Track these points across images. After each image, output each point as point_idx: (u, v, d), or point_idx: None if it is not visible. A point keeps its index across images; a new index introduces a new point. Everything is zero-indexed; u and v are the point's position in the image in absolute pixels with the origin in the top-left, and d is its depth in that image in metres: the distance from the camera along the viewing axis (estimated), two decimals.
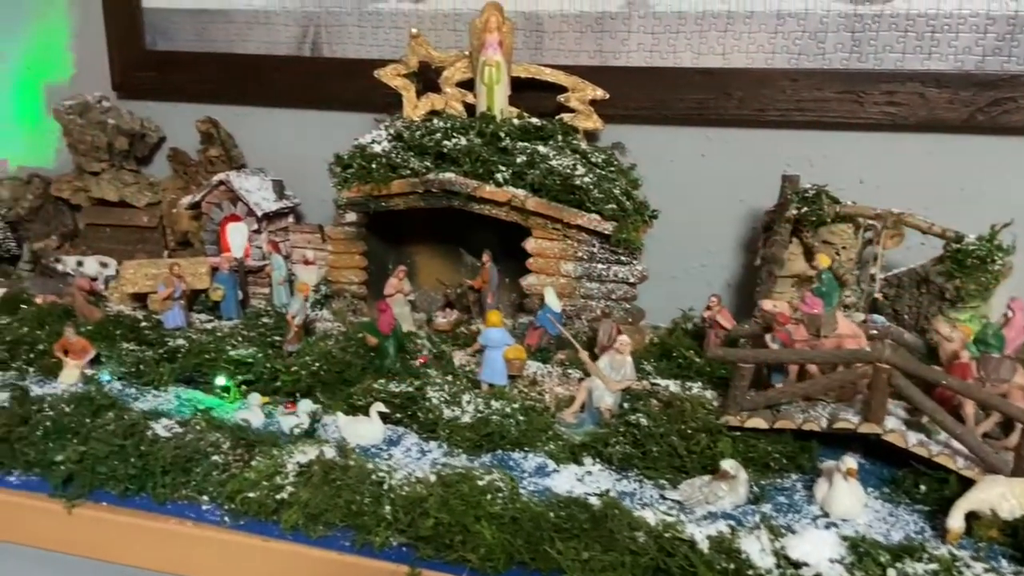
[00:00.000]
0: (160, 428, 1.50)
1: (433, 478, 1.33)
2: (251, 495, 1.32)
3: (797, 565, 1.14)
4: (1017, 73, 1.87)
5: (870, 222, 1.89)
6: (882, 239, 1.85)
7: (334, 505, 1.29)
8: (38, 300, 2.13)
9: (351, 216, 2.12)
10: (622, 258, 1.94)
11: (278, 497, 1.31)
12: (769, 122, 2.09)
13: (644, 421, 1.51)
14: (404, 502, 1.27)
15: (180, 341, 1.88)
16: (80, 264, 2.50)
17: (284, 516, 1.29)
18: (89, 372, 1.81)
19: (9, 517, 1.39)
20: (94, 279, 2.44)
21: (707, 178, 2.20)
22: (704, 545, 1.17)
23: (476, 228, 2.18)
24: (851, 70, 1.99)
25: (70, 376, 1.81)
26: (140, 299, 2.21)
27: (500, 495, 1.27)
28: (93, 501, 1.37)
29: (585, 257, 1.96)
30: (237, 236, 2.30)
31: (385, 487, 1.31)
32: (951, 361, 1.49)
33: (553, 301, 1.91)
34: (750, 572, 1.14)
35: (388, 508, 1.27)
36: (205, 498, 1.37)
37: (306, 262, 2.32)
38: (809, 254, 1.94)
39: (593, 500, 1.29)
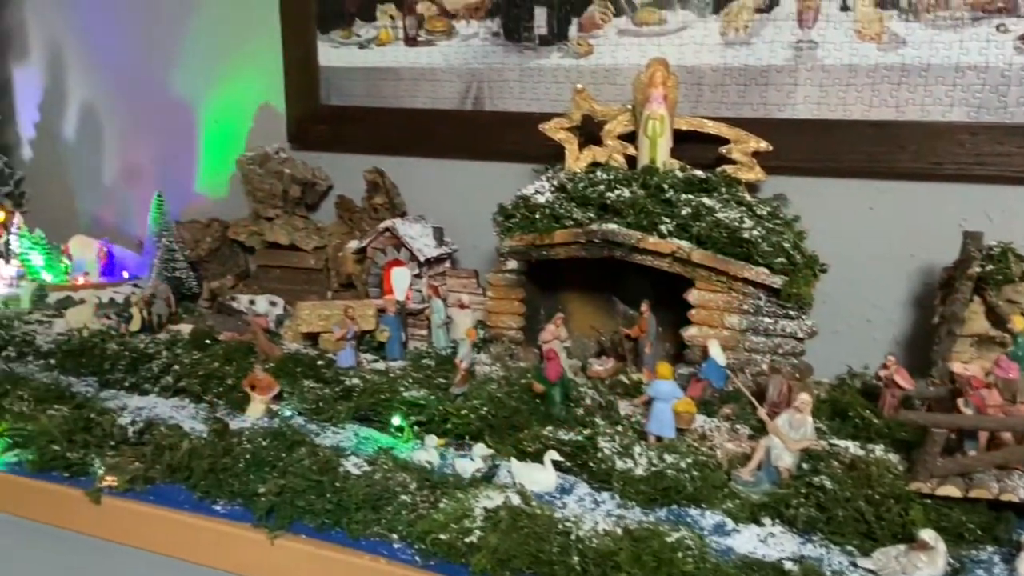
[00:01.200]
0: (350, 465, 1.57)
1: (620, 531, 1.34)
2: (441, 536, 1.36)
3: None
4: None
5: None
6: None
7: (523, 552, 1.31)
8: (222, 337, 2.29)
9: (512, 264, 2.18)
10: (790, 312, 1.91)
11: (467, 540, 1.35)
12: (945, 176, 2.02)
13: (828, 484, 1.47)
14: (594, 554, 1.28)
15: (355, 380, 1.98)
16: (252, 303, 2.68)
17: (474, 560, 1.32)
18: (274, 407, 1.93)
19: (217, 543, 1.49)
20: (262, 316, 2.62)
21: (875, 232, 2.14)
22: None
23: (629, 276, 2.21)
24: None
25: (257, 410, 1.93)
26: (311, 338, 2.34)
27: (690, 553, 1.26)
28: (292, 533, 1.45)
29: (751, 310, 1.94)
30: (400, 280, 2.41)
31: (573, 537, 1.33)
32: None
33: (718, 354, 1.90)
34: None
35: (576, 559, 1.29)
36: (395, 536, 1.42)
37: (461, 306, 2.40)
38: (992, 314, 1.85)
39: (788, 565, 1.26)
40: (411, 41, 2.52)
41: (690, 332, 2.00)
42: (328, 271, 2.72)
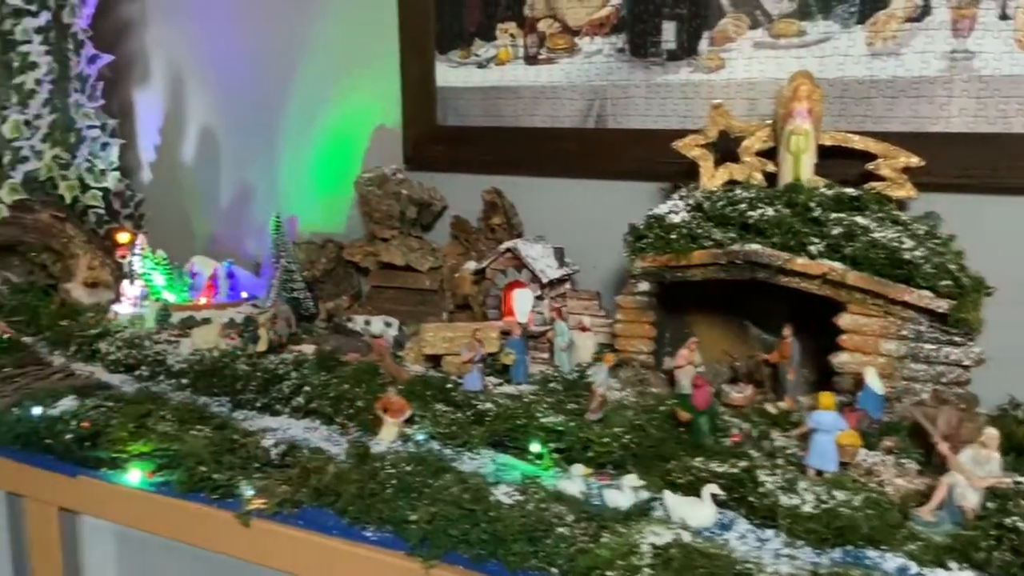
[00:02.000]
0: (500, 494, 1.52)
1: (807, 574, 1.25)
2: (608, 573, 1.30)
3: None
4: None
5: None
6: None
7: None
8: (346, 358, 2.28)
9: (643, 286, 2.11)
10: (955, 339, 1.78)
11: None
12: None
13: (1023, 525, 1.34)
14: None
15: (487, 405, 1.93)
16: (367, 323, 2.68)
17: None
18: (407, 431, 1.90)
19: (371, 571, 1.45)
20: (381, 338, 2.62)
21: None
22: None
23: (761, 298, 2.12)
24: None
25: (390, 434, 1.90)
26: (433, 360, 2.31)
27: None
28: (447, 563, 1.41)
29: (911, 336, 1.82)
30: (523, 302, 2.36)
31: None
32: None
33: (876, 383, 1.79)
34: None
35: None
36: (555, 570, 1.36)
37: (583, 328, 2.33)
38: None
39: None
40: (532, 59, 2.49)
41: (841, 359, 1.89)
42: (443, 292, 2.70)
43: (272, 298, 2.70)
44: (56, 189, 2.81)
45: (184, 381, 2.22)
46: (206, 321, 2.64)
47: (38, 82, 2.58)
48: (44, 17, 2.54)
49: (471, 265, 2.55)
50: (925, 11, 1.99)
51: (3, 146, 2.64)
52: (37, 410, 1.86)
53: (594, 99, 2.43)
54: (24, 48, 2.55)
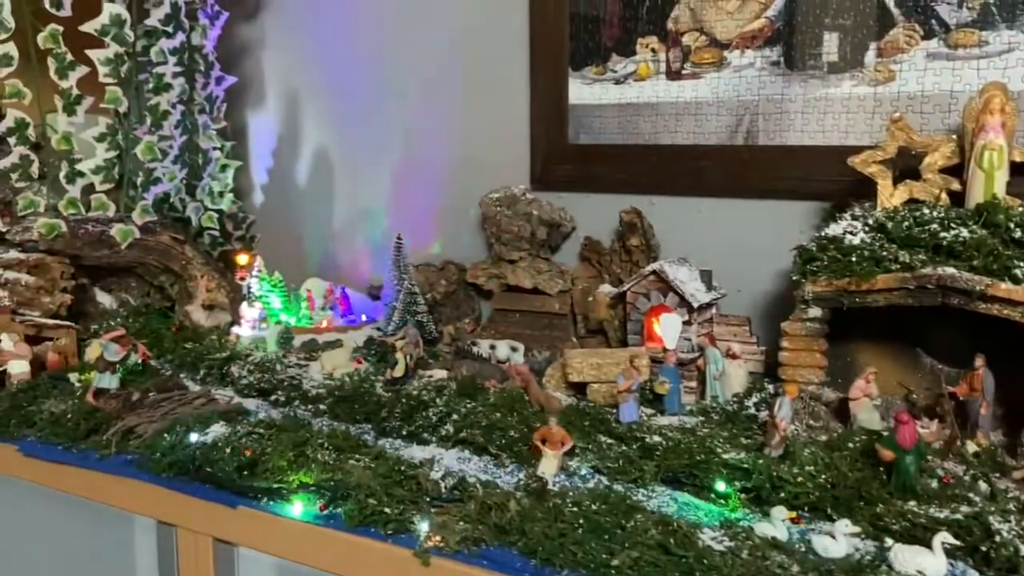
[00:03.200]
0: (707, 539, 1.39)
1: None
2: None
3: None
4: None
5: None
6: None
7: None
8: (488, 385, 2.18)
9: (815, 311, 1.97)
10: None
11: None
12: None
13: None
14: None
15: (656, 438, 1.81)
16: (492, 347, 2.58)
17: None
18: (570, 464, 1.79)
19: None
20: (503, 362, 2.52)
21: None
22: None
23: (936, 326, 1.97)
24: None
25: (550, 466, 1.79)
26: (577, 387, 2.20)
27: None
28: None
29: None
30: (671, 327, 2.24)
31: None
32: None
33: None
34: None
35: None
36: None
37: (732, 356, 2.20)
38: None
39: None
40: (674, 75, 2.39)
41: None
42: (574, 316, 2.60)
43: (396, 321, 2.64)
44: (182, 211, 2.79)
45: (322, 407, 2.14)
46: (332, 344, 2.58)
47: (171, 104, 2.56)
48: (180, 38, 2.53)
49: (607, 288, 2.44)
50: None
51: (136, 168, 2.63)
52: (193, 437, 1.80)
53: (744, 114, 2.31)
54: (160, 69, 2.54)
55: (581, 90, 2.56)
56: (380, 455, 1.77)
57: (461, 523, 1.50)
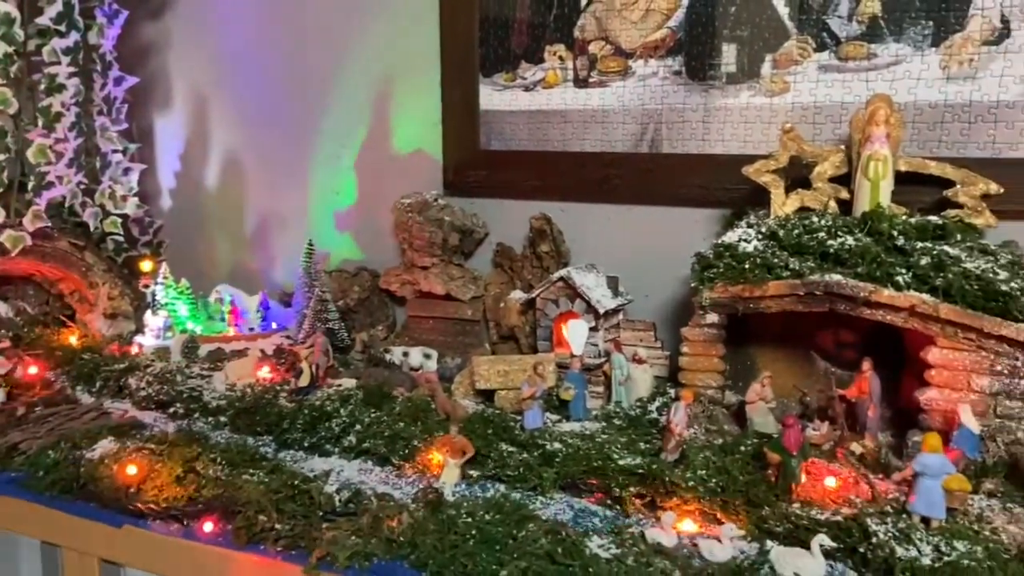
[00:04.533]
0: (595, 547, 1.41)
1: None
2: None
3: None
4: None
5: None
6: None
7: None
8: (396, 393, 2.17)
9: (712, 317, 2.01)
10: None
11: None
12: None
13: None
14: None
15: (556, 444, 1.82)
16: (405, 355, 2.57)
17: None
18: (473, 473, 1.79)
19: None
20: (416, 369, 2.51)
21: None
22: None
23: (826, 329, 2.04)
24: None
25: (452, 475, 1.78)
26: (485, 395, 2.20)
27: None
28: None
29: (1005, 372, 1.72)
30: (578, 333, 2.25)
31: None
32: None
33: (971, 421, 1.69)
34: None
35: None
36: None
37: (638, 361, 2.23)
38: None
39: None
40: (582, 83, 2.41)
41: (929, 395, 1.79)
42: (486, 322, 2.60)
43: (306, 329, 2.59)
44: (78, 216, 2.69)
45: (223, 419, 2.09)
46: (238, 354, 2.52)
47: (64, 105, 2.46)
48: (74, 37, 2.44)
49: (518, 294, 2.45)
50: (1004, 34, 1.93)
51: (28, 172, 2.52)
52: (80, 453, 1.73)
53: (648, 123, 2.35)
54: (52, 70, 2.44)
55: (492, 96, 2.56)
56: (276, 468, 1.74)
57: (352, 537, 1.48)
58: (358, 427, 1.94)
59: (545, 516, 1.59)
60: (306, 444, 1.95)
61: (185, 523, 1.58)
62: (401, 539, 1.46)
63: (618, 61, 2.36)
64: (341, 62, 2.83)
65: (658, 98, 2.32)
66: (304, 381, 2.19)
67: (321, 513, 1.56)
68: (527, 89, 2.50)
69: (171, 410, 2.16)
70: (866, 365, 1.91)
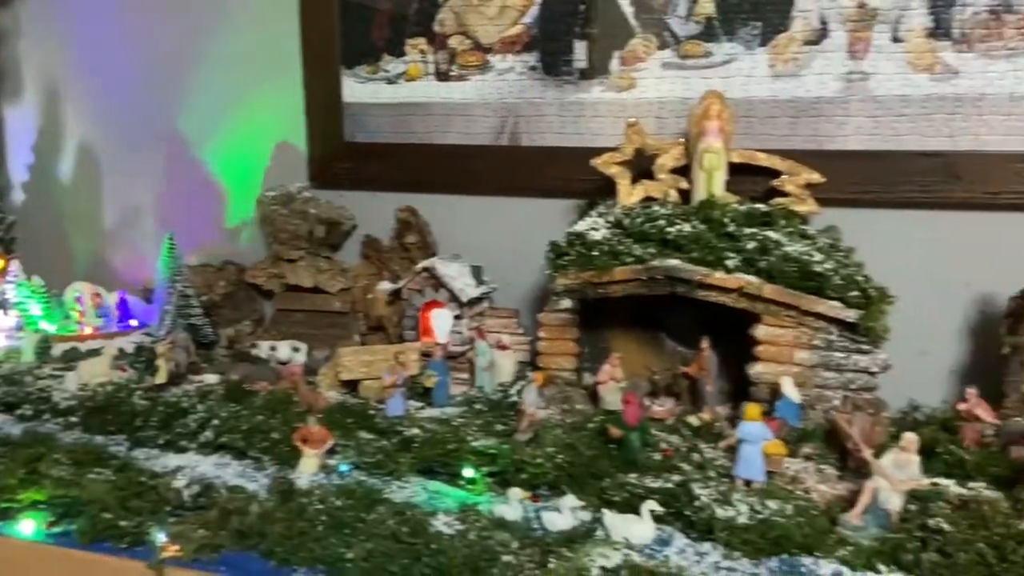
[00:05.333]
0: (440, 524, 1.47)
1: None
2: None
3: None
4: None
5: None
6: None
7: None
8: (256, 387, 2.16)
9: (565, 302, 2.11)
10: (863, 347, 1.87)
11: None
12: (1001, 205, 2.02)
13: (946, 526, 1.41)
14: None
15: (414, 430, 1.87)
16: (273, 349, 2.55)
17: None
18: (329, 462, 1.81)
19: None
20: (297, 364, 2.50)
21: (929, 262, 2.13)
22: None
23: (674, 311, 2.17)
24: None
25: (310, 466, 1.80)
26: (350, 385, 2.22)
27: None
28: None
29: (822, 345, 1.89)
30: (442, 322, 2.31)
31: None
32: None
33: (792, 392, 1.85)
34: None
35: None
36: None
37: (502, 347, 2.31)
38: None
39: None
40: (443, 76, 2.46)
41: (757, 369, 1.95)
42: (355, 314, 2.61)
43: (167, 325, 2.54)
44: None
45: (73, 419, 2.04)
46: (93, 353, 2.44)
47: None
48: None
49: (385, 285, 2.48)
50: (823, 34, 2.10)
51: None
52: None
53: (507, 116, 2.42)
54: None
55: (355, 88, 2.57)
56: (125, 466, 1.71)
57: (200, 530, 1.48)
58: (215, 422, 1.93)
59: (398, 500, 1.63)
60: (161, 441, 1.93)
61: (26, 524, 1.53)
62: (250, 530, 1.47)
63: (477, 55, 2.42)
64: (201, 50, 2.77)
65: (516, 92, 2.40)
66: (160, 379, 2.16)
67: (169, 508, 1.56)
68: (390, 82, 2.52)
69: (18, 412, 2.08)
70: (704, 344, 2.04)
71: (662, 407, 2.06)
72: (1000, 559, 1.36)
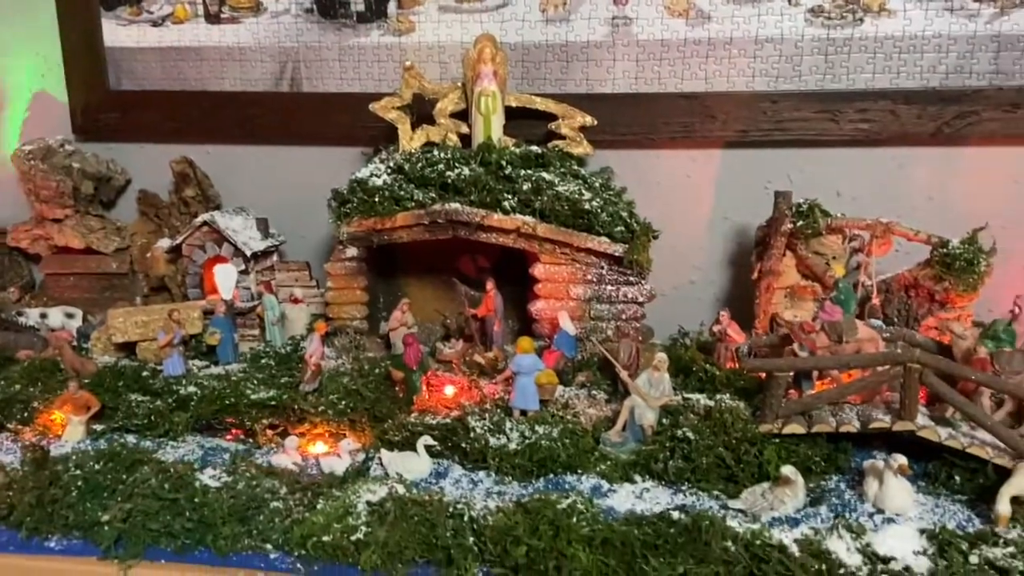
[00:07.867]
0: (207, 479, 1.43)
1: (512, 506, 1.33)
2: (324, 539, 1.28)
3: (885, 560, 1.19)
4: (978, 88, 2.04)
5: (858, 232, 2.01)
6: (872, 247, 1.97)
7: (415, 541, 1.27)
8: (20, 356, 2.00)
9: (352, 251, 2.09)
10: (631, 279, 1.99)
11: (353, 538, 1.28)
12: (751, 142, 2.20)
13: (691, 435, 1.55)
14: (491, 532, 1.26)
15: (191, 388, 1.81)
16: (44, 316, 2.37)
17: (363, 557, 1.26)
18: (97, 427, 1.72)
19: None
20: (56, 330, 2.33)
21: (693, 198, 2.29)
22: (794, 549, 1.22)
23: (464, 255, 2.22)
24: (826, 90, 2.12)
25: (75, 433, 1.71)
26: (127, 348, 2.10)
27: (583, 517, 1.28)
28: (149, 560, 1.30)
29: (594, 280, 2.00)
30: (225, 278, 2.22)
31: (466, 519, 1.30)
32: (966, 358, 1.60)
33: (568, 325, 1.94)
34: (841, 571, 1.19)
35: (472, 539, 1.26)
36: (270, 546, 1.32)
37: (295, 300, 2.27)
38: (802, 266, 2.04)
39: (675, 515, 1.32)
40: (213, 18, 2.33)
41: (537, 306, 2.03)
42: (135, 274, 2.46)
43: None
44: None
45: None
46: None
47: None
48: None
49: (164, 243, 2.35)
50: None
51: None
52: None
53: (287, 61, 2.33)
54: None
55: (117, 32, 2.38)
56: None
57: None
58: None
59: (172, 459, 1.57)
60: None
61: None
62: None
63: None
64: None
65: (293, 36, 2.31)
66: None
67: None
68: (155, 24, 2.35)
69: None
70: (489, 285, 2.10)
71: (452, 349, 2.11)
72: (736, 460, 1.52)
